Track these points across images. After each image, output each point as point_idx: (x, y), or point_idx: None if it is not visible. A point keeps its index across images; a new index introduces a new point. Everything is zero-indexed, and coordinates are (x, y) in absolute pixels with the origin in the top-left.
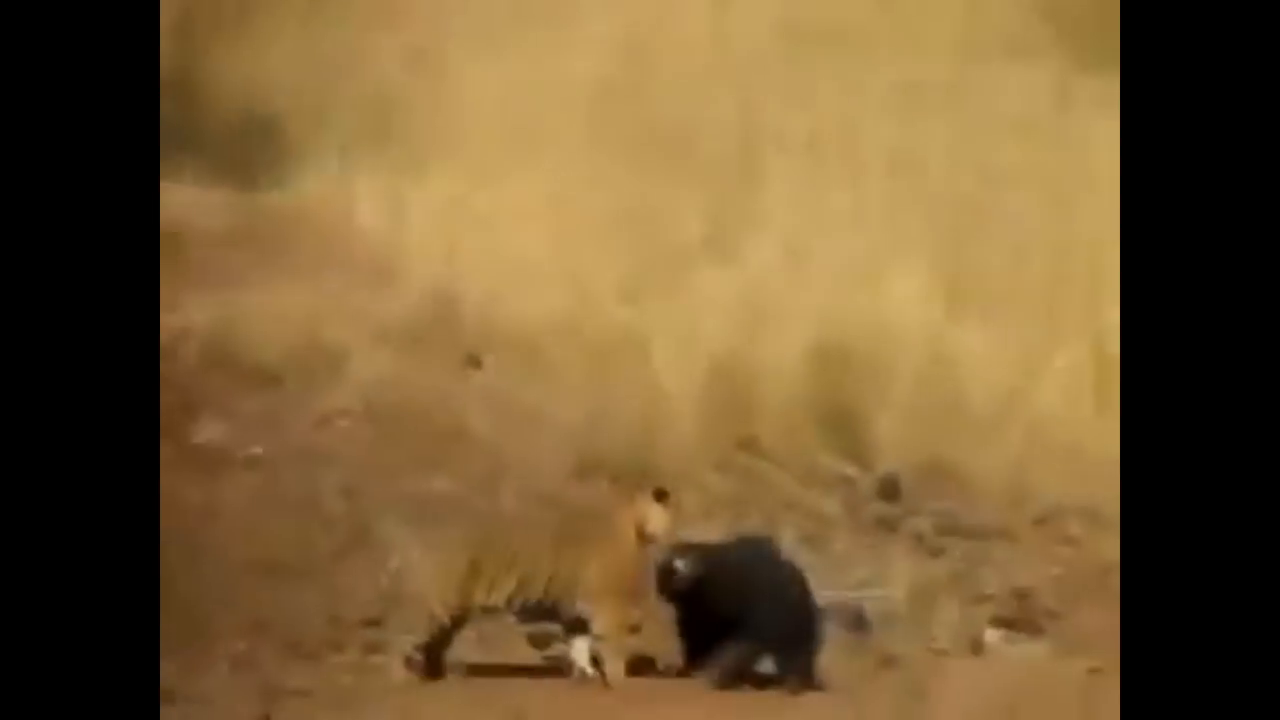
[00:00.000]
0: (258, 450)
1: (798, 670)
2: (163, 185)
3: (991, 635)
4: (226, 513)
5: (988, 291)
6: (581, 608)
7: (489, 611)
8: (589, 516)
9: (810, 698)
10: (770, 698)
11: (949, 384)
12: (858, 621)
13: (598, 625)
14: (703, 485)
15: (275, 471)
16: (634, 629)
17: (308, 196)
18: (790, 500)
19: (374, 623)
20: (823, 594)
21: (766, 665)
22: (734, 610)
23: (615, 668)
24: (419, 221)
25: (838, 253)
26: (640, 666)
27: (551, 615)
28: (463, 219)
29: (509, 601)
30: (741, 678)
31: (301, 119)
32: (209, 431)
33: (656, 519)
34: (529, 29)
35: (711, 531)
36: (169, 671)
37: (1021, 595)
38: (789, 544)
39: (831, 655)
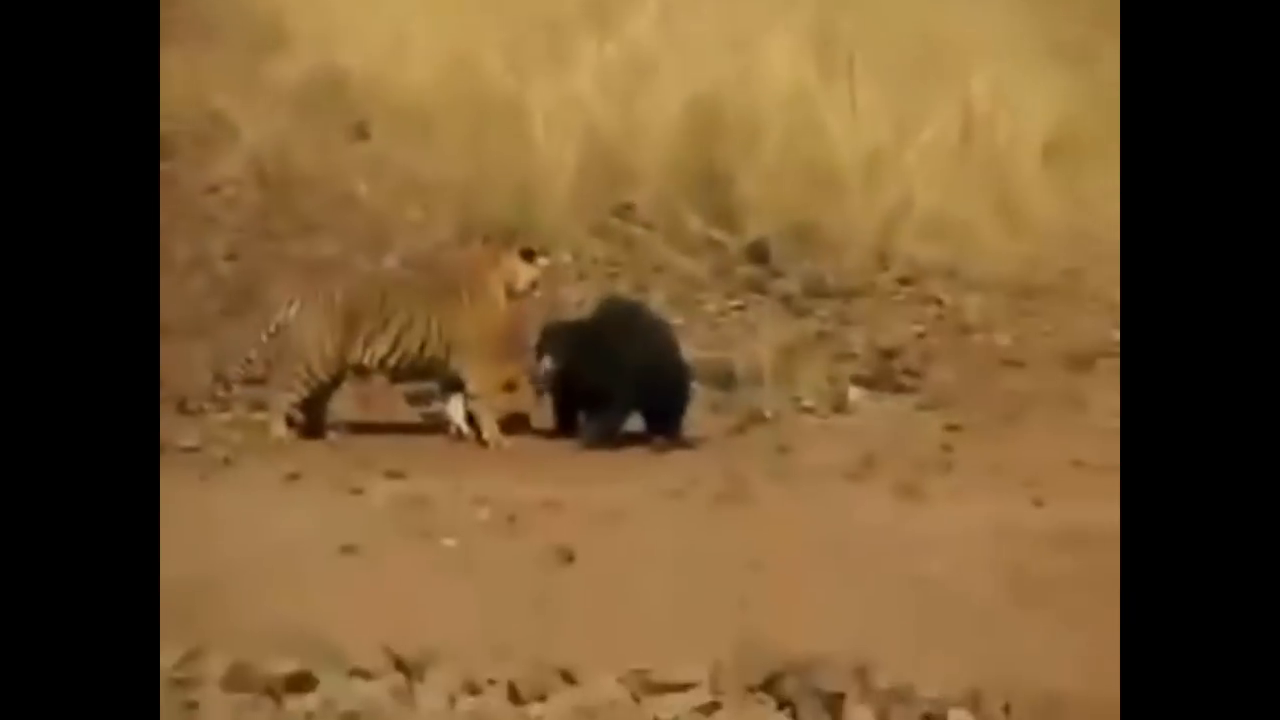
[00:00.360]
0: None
1: (665, 429)
2: None
3: (855, 393)
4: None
5: (860, 56)
6: (456, 366)
7: (365, 371)
8: (461, 276)
9: (680, 453)
10: (640, 453)
11: (818, 147)
12: (726, 380)
13: (472, 384)
14: (579, 249)
15: (167, 235)
16: (509, 387)
17: None
18: (662, 263)
19: (257, 381)
20: (693, 354)
21: (636, 424)
22: (604, 379)
23: (490, 426)
24: None
25: (713, 19)
26: (514, 425)
27: (427, 374)
28: None
29: (384, 361)
30: (610, 439)
31: None
32: None
33: (525, 276)
34: None
35: (586, 293)
36: None
37: (885, 354)
38: (659, 305)
39: (700, 413)
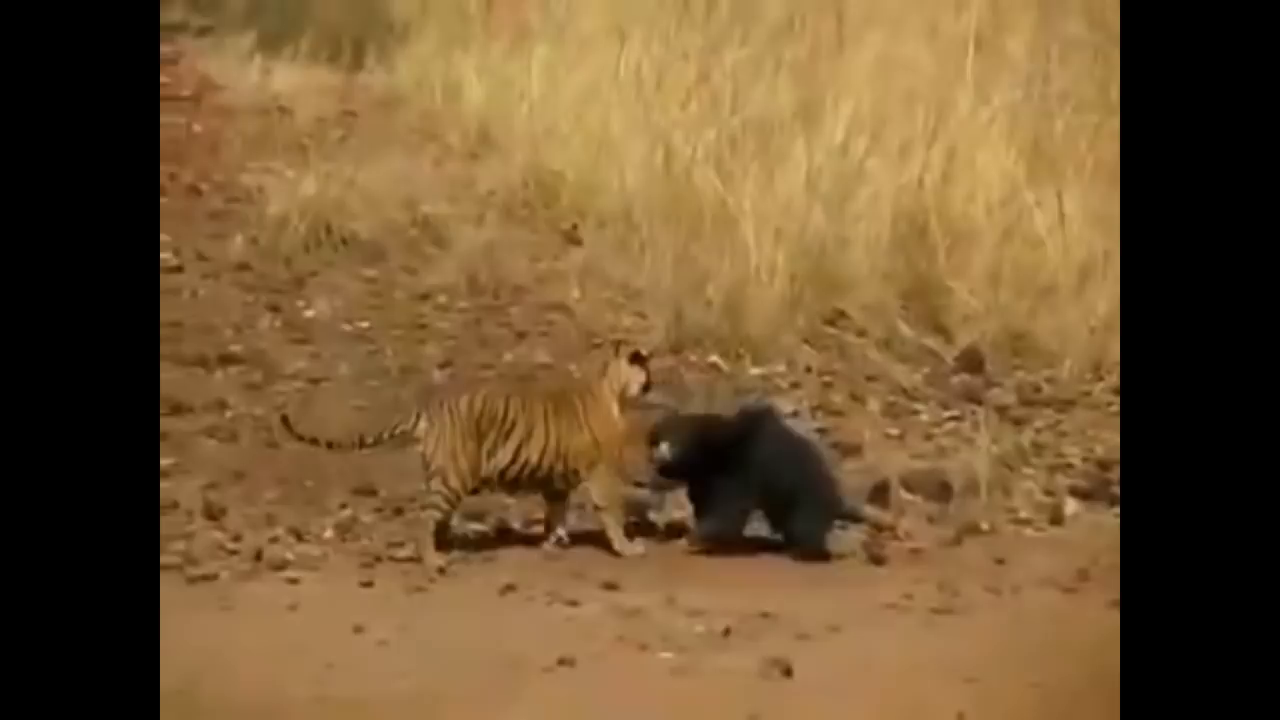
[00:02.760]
0: (364, 324)
1: (800, 538)
2: (272, 65)
3: (1072, 505)
4: (339, 383)
5: (1070, 162)
6: (572, 477)
7: (486, 482)
8: (575, 384)
9: (896, 565)
10: (853, 565)
11: (1030, 253)
12: (942, 492)
13: (596, 496)
14: (791, 358)
15: (379, 343)
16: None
17: (411, 76)
18: (876, 372)
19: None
20: (909, 465)
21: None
22: (721, 474)
23: (619, 536)
24: (519, 101)
25: (921, 123)
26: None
27: (542, 485)
28: (561, 97)
29: (504, 472)
30: (725, 538)
31: (406, 2)
32: (318, 305)
33: (636, 381)
34: None
35: (799, 403)
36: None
37: (1102, 465)
38: (874, 413)
39: (916, 524)
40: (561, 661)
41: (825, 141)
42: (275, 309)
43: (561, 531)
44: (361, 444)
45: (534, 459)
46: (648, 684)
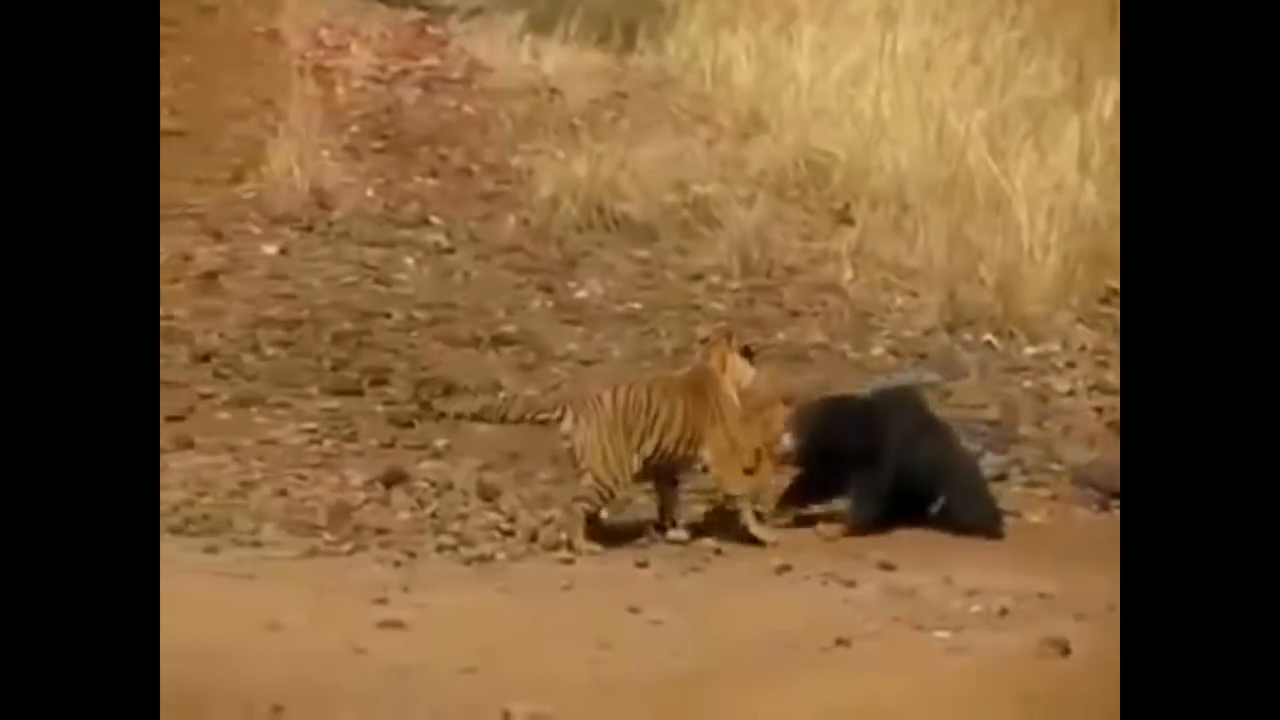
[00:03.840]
0: (636, 305)
1: (961, 517)
2: (542, 46)
3: None
4: (612, 364)
5: None
6: (693, 464)
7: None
8: (701, 374)
9: None
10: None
11: None
12: None
13: (729, 486)
14: (1066, 338)
15: (652, 324)
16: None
17: (680, 58)
18: None
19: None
20: None
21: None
22: (861, 456)
23: (754, 523)
24: (789, 81)
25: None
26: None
27: (672, 472)
28: (831, 78)
29: (648, 460)
30: (876, 523)
31: None
32: (589, 286)
33: (749, 375)
34: None
35: (1074, 384)
36: None
37: None
38: None
39: None
40: (838, 642)
41: (1096, 119)
42: (547, 290)
43: (680, 520)
44: (504, 419)
45: (670, 448)
46: (923, 664)
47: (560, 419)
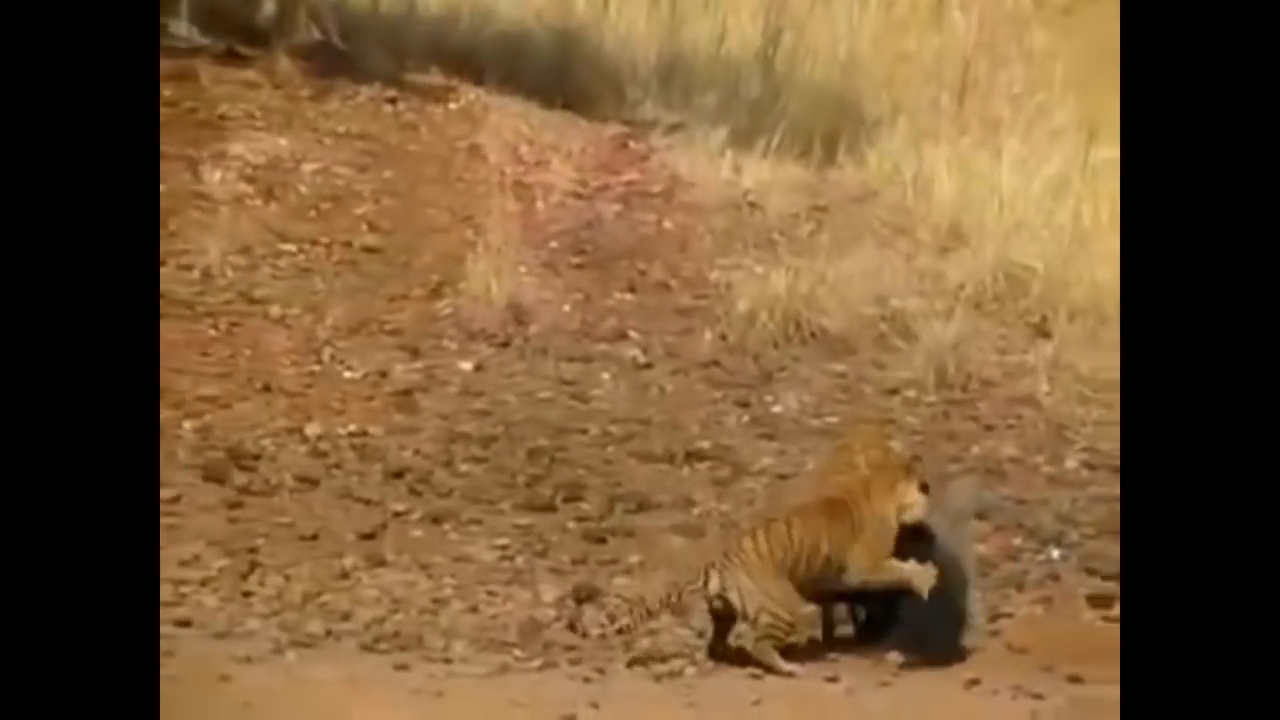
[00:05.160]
0: (832, 419)
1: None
2: (743, 161)
3: None
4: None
5: None
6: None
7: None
8: (854, 498)
9: None
10: None
11: None
12: None
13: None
14: None
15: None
16: None
17: (881, 171)
18: None
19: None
20: None
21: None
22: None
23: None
24: (990, 194)
25: None
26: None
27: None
28: (1031, 191)
29: (801, 591)
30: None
31: (876, 97)
32: (785, 401)
33: (918, 508)
34: None
35: None
36: None
37: None
38: None
39: None
40: None
41: None
42: (743, 404)
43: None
44: (649, 615)
45: (815, 572)
46: None
47: (706, 583)
